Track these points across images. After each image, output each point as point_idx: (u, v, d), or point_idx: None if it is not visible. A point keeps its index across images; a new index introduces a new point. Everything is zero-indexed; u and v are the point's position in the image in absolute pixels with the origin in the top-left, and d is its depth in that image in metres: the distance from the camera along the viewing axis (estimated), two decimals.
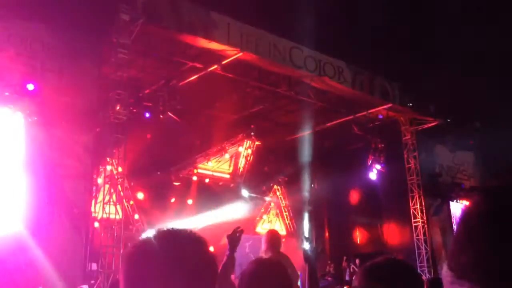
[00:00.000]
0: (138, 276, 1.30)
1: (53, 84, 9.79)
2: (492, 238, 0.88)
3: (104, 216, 10.17)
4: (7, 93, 9.32)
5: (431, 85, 13.55)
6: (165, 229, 1.40)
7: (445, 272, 0.96)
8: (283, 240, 6.58)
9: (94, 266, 10.02)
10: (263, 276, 2.53)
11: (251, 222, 16.71)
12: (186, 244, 1.36)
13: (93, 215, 10.43)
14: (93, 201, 10.53)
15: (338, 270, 15.20)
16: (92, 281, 9.45)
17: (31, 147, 9.43)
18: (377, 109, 14.35)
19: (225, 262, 3.84)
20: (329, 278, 13.70)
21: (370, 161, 15.43)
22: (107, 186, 10.42)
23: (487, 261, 0.88)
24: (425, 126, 15.32)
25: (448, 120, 14.98)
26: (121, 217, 10.68)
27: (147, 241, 1.36)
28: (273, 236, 5.90)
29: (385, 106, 14.21)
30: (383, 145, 15.40)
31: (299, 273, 6.12)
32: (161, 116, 12.38)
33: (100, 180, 11.33)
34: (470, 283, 0.89)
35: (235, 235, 4.05)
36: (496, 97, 12.99)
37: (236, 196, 15.83)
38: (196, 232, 1.40)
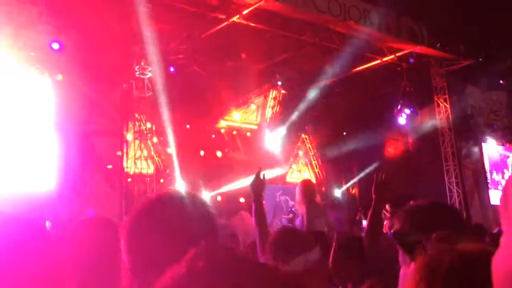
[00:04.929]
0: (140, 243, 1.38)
1: (78, 41, 9.83)
2: None
3: (136, 171, 10.44)
4: (33, 53, 9.40)
5: (460, 24, 13.03)
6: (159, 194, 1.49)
7: None
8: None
9: None
10: (286, 243, 2.61)
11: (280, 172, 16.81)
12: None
13: (125, 170, 10.65)
14: (124, 157, 10.73)
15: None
16: None
17: (60, 106, 9.58)
18: (405, 52, 13.92)
19: (253, 210, 3.81)
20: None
21: (399, 106, 15.17)
22: (137, 141, 10.58)
23: None
24: (456, 67, 14.86)
25: (480, 60, 14.46)
26: (153, 171, 10.93)
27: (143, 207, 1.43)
28: (306, 187, 5.87)
29: (413, 49, 13.77)
30: (412, 89, 15.07)
31: None
32: (185, 70, 12.34)
33: (129, 136, 11.52)
34: None
35: (257, 180, 3.85)
36: None
37: (265, 146, 15.89)
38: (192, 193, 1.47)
